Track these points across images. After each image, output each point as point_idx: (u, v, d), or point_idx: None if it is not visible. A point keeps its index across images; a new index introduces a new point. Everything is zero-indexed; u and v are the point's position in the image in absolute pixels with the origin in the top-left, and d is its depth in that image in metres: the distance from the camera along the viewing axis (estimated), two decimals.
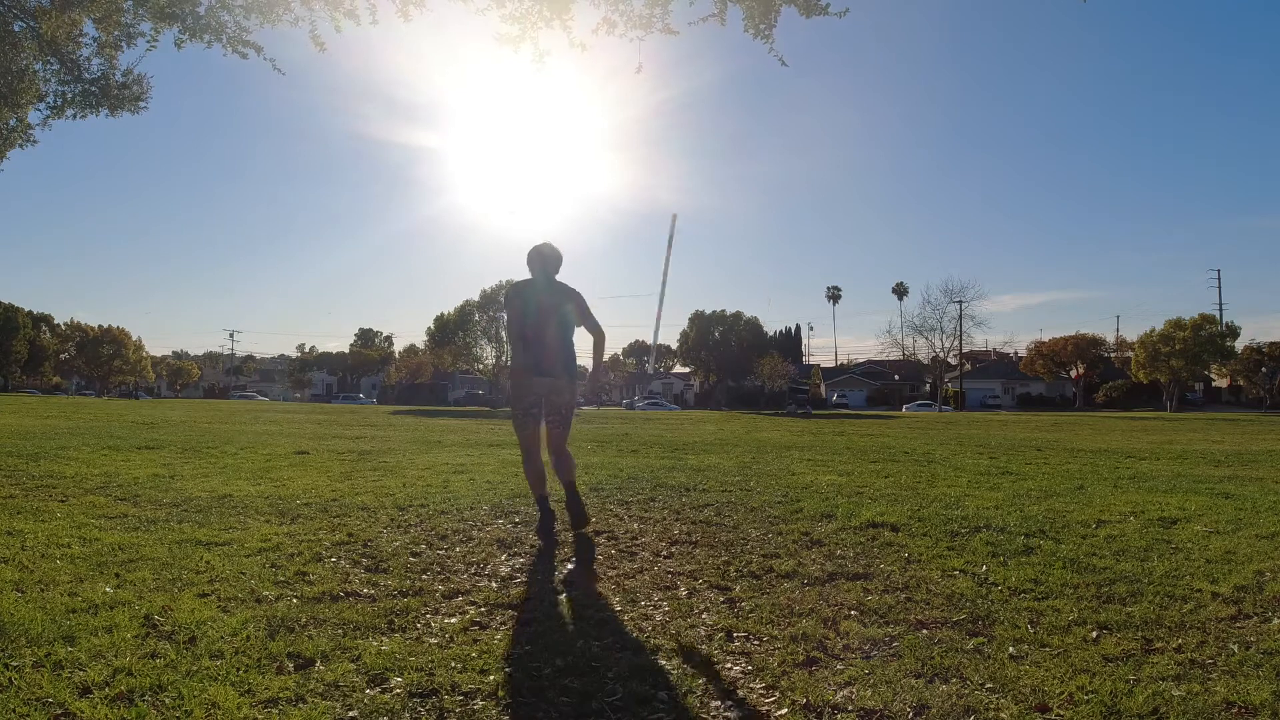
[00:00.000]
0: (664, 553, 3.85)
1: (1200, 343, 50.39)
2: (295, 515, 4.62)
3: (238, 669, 2.22)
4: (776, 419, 29.74)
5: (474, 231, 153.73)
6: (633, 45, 4.50)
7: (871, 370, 79.00)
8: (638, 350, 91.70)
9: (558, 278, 4.41)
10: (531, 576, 3.37)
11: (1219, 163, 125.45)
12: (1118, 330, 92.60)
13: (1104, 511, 5.02)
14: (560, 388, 4.32)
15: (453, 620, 2.74)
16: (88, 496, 5.18)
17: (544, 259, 4.35)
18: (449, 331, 50.39)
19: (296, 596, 2.94)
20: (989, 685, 2.20)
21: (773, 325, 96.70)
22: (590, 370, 4.75)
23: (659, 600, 3.05)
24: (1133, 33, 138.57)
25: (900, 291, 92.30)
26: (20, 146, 6.02)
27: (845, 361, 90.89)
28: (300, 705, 2.02)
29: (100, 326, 68.36)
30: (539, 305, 4.25)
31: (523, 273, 4.41)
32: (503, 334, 49.74)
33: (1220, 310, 63.09)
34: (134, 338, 69.71)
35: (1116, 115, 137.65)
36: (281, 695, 2.07)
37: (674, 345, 71.26)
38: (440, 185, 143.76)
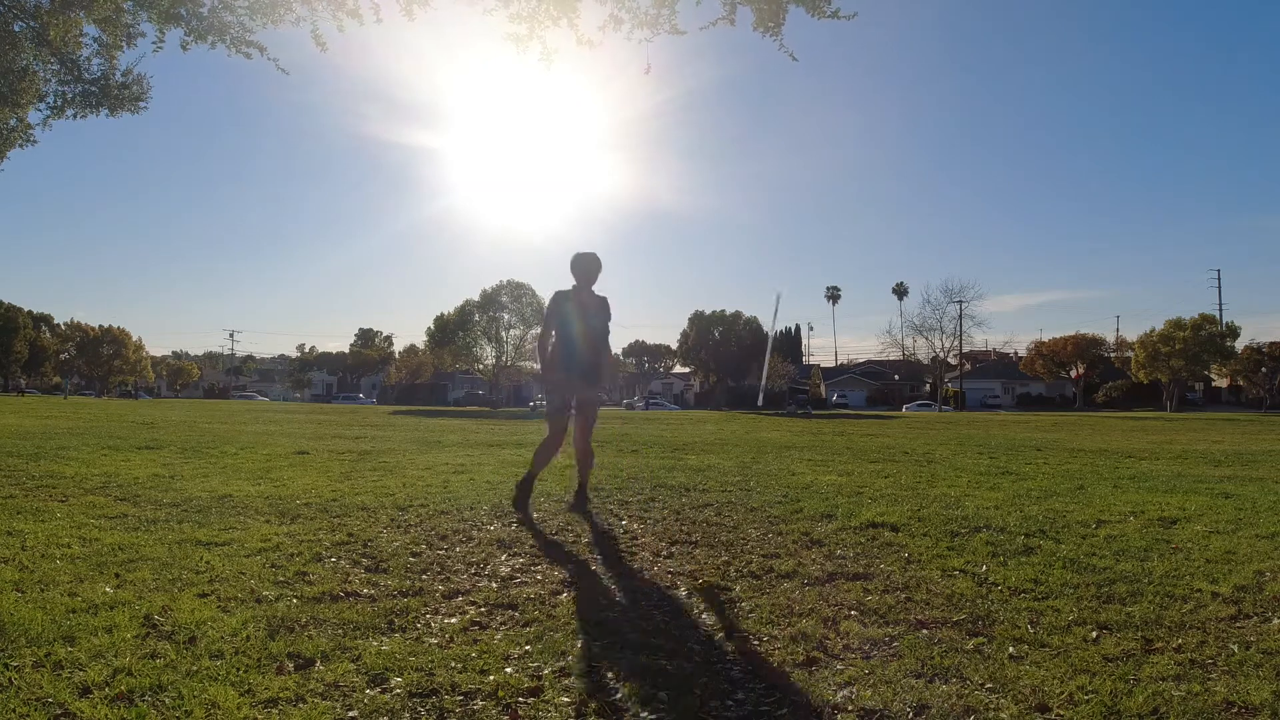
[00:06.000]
0: (664, 553, 3.85)
1: (1200, 343, 50.41)
2: (295, 515, 4.62)
3: (238, 669, 2.22)
4: (776, 419, 29.73)
5: (474, 231, 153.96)
6: (634, 45, 4.50)
7: (871, 370, 79.02)
8: (637, 350, 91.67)
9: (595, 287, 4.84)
10: (531, 576, 3.37)
11: (1219, 163, 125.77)
12: (1118, 330, 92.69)
13: (1104, 511, 5.02)
14: (588, 389, 4.84)
15: (453, 620, 2.74)
16: (88, 496, 5.18)
17: (586, 269, 4.74)
18: (449, 331, 50.33)
19: (296, 596, 2.94)
20: (989, 685, 2.20)
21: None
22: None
23: (659, 600, 3.06)
24: (1132, 32, 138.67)
25: (900, 291, 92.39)
26: (20, 146, 6.02)
27: (845, 362, 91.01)
28: (300, 705, 2.02)
29: (100, 326, 68.42)
30: (579, 312, 4.69)
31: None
32: (503, 334, 49.74)
33: (1220, 310, 63.31)
34: (134, 338, 69.83)
35: (1116, 115, 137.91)
36: (281, 695, 2.07)
37: (674, 345, 71.28)
38: (440, 185, 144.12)
